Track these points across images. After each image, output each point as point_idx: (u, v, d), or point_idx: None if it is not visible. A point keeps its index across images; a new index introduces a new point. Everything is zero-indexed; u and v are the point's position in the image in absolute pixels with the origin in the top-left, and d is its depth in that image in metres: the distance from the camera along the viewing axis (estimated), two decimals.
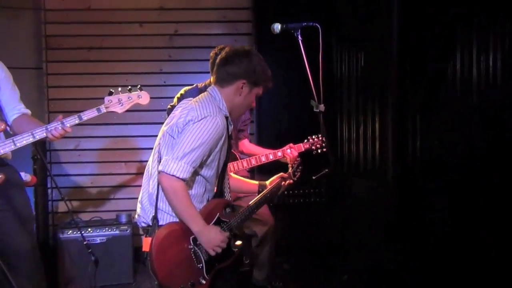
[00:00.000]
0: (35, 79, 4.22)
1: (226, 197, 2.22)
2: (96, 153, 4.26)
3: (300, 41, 2.28)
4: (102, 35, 4.21)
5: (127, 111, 4.08)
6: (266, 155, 3.06)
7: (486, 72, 3.02)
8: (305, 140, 3.08)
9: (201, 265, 1.97)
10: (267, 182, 2.39)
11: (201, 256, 1.96)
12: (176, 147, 1.94)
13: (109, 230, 3.57)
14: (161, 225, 1.99)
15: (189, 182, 2.01)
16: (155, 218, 2.01)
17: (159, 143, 2.11)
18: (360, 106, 4.14)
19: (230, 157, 3.04)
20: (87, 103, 4.22)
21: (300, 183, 3.88)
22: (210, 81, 2.96)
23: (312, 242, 3.83)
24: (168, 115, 2.93)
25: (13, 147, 2.21)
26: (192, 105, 2.03)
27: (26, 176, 2.84)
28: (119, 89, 2.38)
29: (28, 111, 2.53)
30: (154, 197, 2.02)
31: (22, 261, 2.32)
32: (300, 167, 2.58)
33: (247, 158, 3.08)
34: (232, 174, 2.52)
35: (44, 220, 4.10)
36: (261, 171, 4.07)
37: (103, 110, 2.33)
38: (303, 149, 3.05)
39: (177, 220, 2.00)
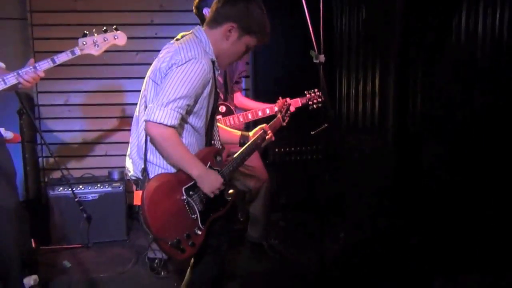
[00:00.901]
0: (20, 30, 4.02)
1: (216, 145, 2.12)
2: (86, 108, 4.13)
3: None
4: None
5: (117, 64, 4.03)
6: (263, 109, 2.97)
7: (492, 28, 2.91)
8: (302, 95, 2.97)
9: (195, 215, 1.89)
10: (250, 134, 2.29)
11: (194, 206, 1.89)
12: (160, 93, 1.80)
13: (101, 187, 3.49)
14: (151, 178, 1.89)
15: (179, 131, 1.90)
16: (144, 170, 1.91)
17: (145, 90, 1.99)
18: (361, 62, 4.00)
19: (226, 111, 2.96)
20: (75, 57, 4.07)
21: (298, 140, 3.84)
22: None
23: (309, 199, 3.79)
24: None
25: None
26: (176, 47, 1.89)
27: (6, 133, 2.73)
28: (94, 30, 2.26)
29: (2, 65, 2.40)
30: (143, 149, 1.92)
31: (5, 221, 2.26)
32: (289, 112, 2.50)
33: (243, 113, 2.98)
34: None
35: (35, 177, 4.02)
36: (258, 124, 3.98)
37: (78, 52, 2.25)
38: (300, 104, 2.96)
39: (168, 171, 1.90)
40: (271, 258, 3.16)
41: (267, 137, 2.28)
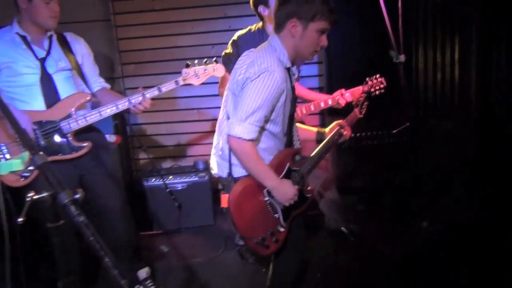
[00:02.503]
0: (104, 31, 4.31)
1: (295, 145, 2.21)
2: (168, 101, 4.39)
3: None
4: None
5: (195, 58, 4.18)
6: (325, 101, 3.00)
7: None
8: (364, 82, 2.97)
9: (277, 214, 2.02)
10: (326, 130, 2.33)
11: (276, 206, 2.01)
12: (238, 108, 1.92)
13: (189, 177, 3.74)
14: (236, 179, 2.03)
15: (258, 138, 2.00)
16: (230, 174, 2.04)
17: (226, 99, 2.11)
18: (439, 36, 3.83)
19: None
20: (157, 53, 4.34)
21: (374, 124, 3.83)
22: (262, 24, 2.88)
23: (386, 184, 3.78)
24: (223, 63, 2.95)
25: (99, 117, 2.37)
26: (251, 58, 1.98)
27: (111, 137, 3.04)
28: (196, 61, 2.45)
29: (108, 85, 2.71)
30: (226, 152, 2.05)
31: (115, 219, 2.56)
32: (365, 103, 2.51)
33: (306, 104, 3.01)
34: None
35: (128, 167, 4.40)
36: (331, 113, 4.01)
37: (181, 82, 2.45)
38: (362, 92, 2.95)
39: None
40: (351, 245, 3.21)
41: (344, 132, 2.32)
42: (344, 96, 2.93)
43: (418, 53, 3.93)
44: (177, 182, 3.71)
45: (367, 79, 2.96)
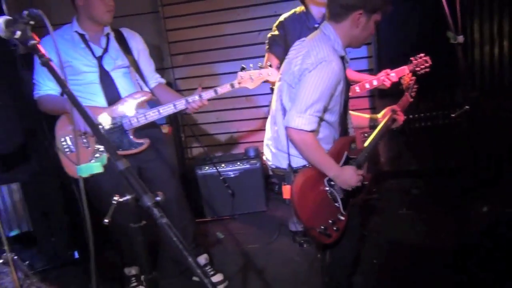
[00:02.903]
0: (153, 23, 4.41)
1: (350, 133, 2.20)
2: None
3: None
4: None
5: (243, 45, 4.24)
6: (370, 82, 2.99)
7: None
8: (408, 62, 2.90)
9: (338, 203, 2.04)
10: (379, 116, 2.31)
11: (336, 195, 2.03)
12: (297, 100, 1.92)
13: (241, 164, 3.80)
14: (295, 169, 2.06)
15: (316, 128, 2.01)
16: (289, 165, 2.06)
17: (279, 90, 2.11)
18: (495, 8, 3.63)
19: None
20: (204, 42, 4.39)
21: (427, 106, 3.72)
22: (305, 6, 2.86)
23: (441, 165, 3.68)
24: (269, 44, 2.95)
25: (158, 115, 2.47)
26: (306, 48, 1.97)
27: (164, 129, 3.16)
28: (251, 65, 2.49)
29: (163, 80, 2.79)
30: (284, 144, 2.07)
31: (172, 206, 2.67)
32: (415, 86, 2.47)
33: (351, 86, 2.96)
34: None
35: (181, 155, 4.53)
36: (381, 95, 3.93)
37: (236, 85, 2.50)
38: (407, 71, 2.88)
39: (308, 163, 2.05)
40: (408, 230, 3.15)
41: (397, 117, 2.30)
42: (389, 76, 2.90)
43: (473, 29, 3.76)
44: (230, 170, 3.79)
45: (411, 58, 2.91)
